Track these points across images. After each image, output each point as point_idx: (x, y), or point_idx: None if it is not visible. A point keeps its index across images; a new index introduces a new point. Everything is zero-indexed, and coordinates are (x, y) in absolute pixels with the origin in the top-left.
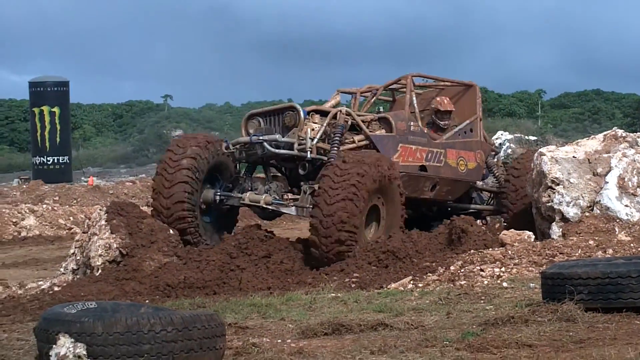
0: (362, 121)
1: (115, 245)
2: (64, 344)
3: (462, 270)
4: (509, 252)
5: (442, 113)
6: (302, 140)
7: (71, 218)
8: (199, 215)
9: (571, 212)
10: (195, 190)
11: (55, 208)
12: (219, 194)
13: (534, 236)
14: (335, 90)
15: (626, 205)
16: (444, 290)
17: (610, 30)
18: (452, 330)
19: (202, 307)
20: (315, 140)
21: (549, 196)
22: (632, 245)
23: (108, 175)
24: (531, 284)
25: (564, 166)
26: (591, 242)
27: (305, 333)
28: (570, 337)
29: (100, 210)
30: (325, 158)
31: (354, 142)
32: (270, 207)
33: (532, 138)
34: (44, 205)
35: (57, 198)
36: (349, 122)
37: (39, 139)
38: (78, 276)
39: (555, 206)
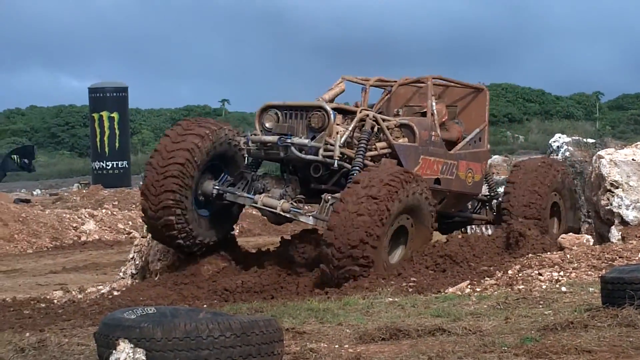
0: (388, 127)
1: (173, 250)
2: (124, 350)
3: (520, 275)
4: (568, 256)
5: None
6: (330, 145)
7: (130, 223)
8: (194, 211)
9: (630, 215)
10: (188, 188)
11: (115, 213)
12: (217, 187)
13: (592, 240)
14: (341, 77)
15: None
16: (502, 294)
17: None
18: (510, 336)
19: (260, 312)
20: (340, 145)
21: (608, 199)
22: None
23: None
24: (590, 289)
25: (623, 169)
26: None
27: (363, 338)
28: (630, 343)
29: None
30: (349, 166)
31: (375, 149)
32: (287, 215)
33: (591, 140)
34: (104, 210)
35: (116, 203)
36: (375, 128)
37: (98, 144)
38: (137, 281)
39: (615, 209)
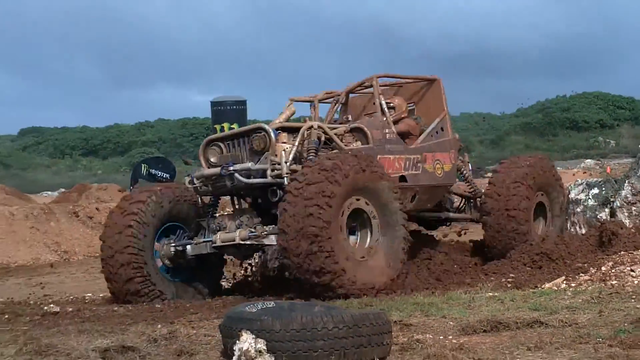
0: (336, 134)
1: None
2: (246, 340)
3: (612, 271)
4: None
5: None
6: (277, 165)
7: None
8: (165, 281)
9: None
10: (144, 250)
11: None
12: (173, 244)
13: None
14: (288, 99)
15: None
16: (596, 289)
17: None
18: (604, 328)
19: (370, 306)
20: (289, 162)
21: None
22: None
23: None
24: None
25: None
26: None
27: (465, 330)
28: None
29: None
30: None
31: None
32: (247, 242)
33: None
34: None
35: None
36: (322, 138)
37: None
38: (257, 277)
39: None
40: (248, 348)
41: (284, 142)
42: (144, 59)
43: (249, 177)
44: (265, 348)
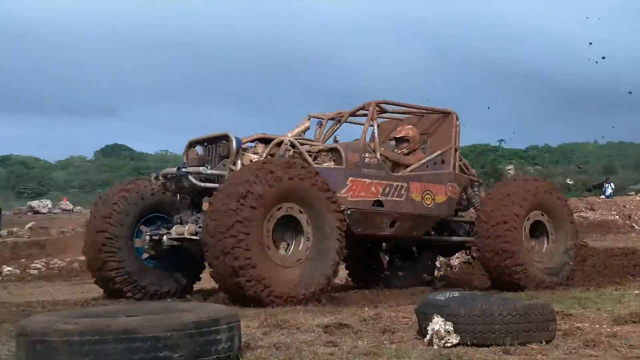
0: (310, 152)
1: None
2: (437, 322)
3: None
4: None
5: (398, 140)
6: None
7: None
8: (143, 267)
9: None
10: (120, 238)
11: None
12: (148, 233)
13: None
14: (308, 114)
15: None
16: None
17: None
18: None
19: (535, 298)
20: None
21: None
22: None
23: None
24: None
25: None
26: None
27: (617, 321)
28: None
29: None
30: None
31: None
32: (194, 237)
33: None
34: None
35: None
36: (292, 153)
37: None
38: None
39: None
40: (439, 329)
41: (257, 153)
42: (210, 83)
43: (206, 181)
44: (452, 329)
